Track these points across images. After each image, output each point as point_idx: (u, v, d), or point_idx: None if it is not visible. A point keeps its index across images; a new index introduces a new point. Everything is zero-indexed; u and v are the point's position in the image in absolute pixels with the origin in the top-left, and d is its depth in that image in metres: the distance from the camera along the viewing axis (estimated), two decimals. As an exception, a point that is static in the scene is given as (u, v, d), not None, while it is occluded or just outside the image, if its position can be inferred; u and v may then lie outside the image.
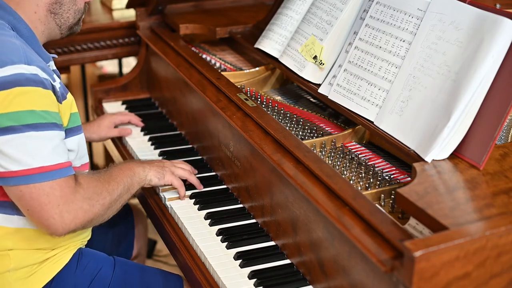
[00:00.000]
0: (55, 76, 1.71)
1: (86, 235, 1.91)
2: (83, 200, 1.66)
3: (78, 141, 1.79)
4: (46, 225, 1.63)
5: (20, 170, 1.59)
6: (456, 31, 1.58)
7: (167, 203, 1.97)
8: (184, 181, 2.00)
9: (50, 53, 2.06)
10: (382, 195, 1.62)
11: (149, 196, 2.07)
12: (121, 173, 1.82)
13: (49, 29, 1.78)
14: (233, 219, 1.88)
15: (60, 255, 1.81)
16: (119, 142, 2.41)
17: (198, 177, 2.07)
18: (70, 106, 1.75)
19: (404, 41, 1.71)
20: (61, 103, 1.70)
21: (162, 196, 2.00)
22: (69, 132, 1.75)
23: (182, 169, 1.98)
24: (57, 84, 1.70)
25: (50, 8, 1.75)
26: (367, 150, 1.85)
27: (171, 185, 1.96)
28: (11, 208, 1.69)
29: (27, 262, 1.75)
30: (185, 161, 2.08)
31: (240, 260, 1.70)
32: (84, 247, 1.92)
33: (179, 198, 1.98)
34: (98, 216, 1.71)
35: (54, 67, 1.80)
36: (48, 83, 1.64)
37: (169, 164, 1.98)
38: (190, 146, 2.29)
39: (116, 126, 2.39)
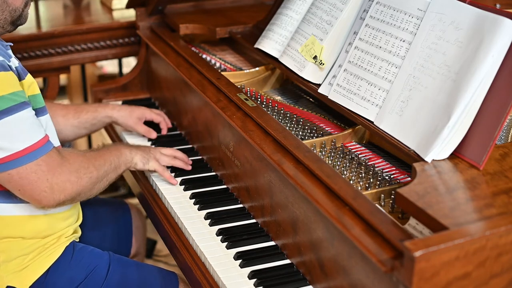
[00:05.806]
0: (13, 57, 1.73)
1: (74, 218, 1.91)
2: (69, 173, 1.73)
3: (46, 122, 1.82)
4: (39, 199, 1.70)
5: (5, 156, 1.63)
6: (456, 31, 1.58)
7: (166, 201, 1.98)
8: (187, 178, 2.00)
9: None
10: (382, 195, 1.62)
11: (149, 196, 2.08)
12: (108, 152, 1.91)
13: None
14: (233, 219, 1.88)
15: (53, 248, 1.82)
16: (117, 140, 2.41)
17: (198, 177, 2.07)
18: (29, 87, 1.76)
19: (404, 41, 1.71)
20: (20, 81, 1.72)
21: (153, 183, 2.08)
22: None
23: (166, 156, 2.06)
24: (14, 63, 1.72)
25: None
26: (367, 150, 1.85)
27: (155, 170, 2.05)
28: None
29: (17, 253, 1.77)
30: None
31: (240, 260, 1.70)
32: (78, 241, 1.93)
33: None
34: (86, 189, 1.78)
35: (12, 55, 1.80)
36: (5, 64, 1.66)
37: (155, 150, 2.06)
38: (190, 146, 2.29)
39: None
